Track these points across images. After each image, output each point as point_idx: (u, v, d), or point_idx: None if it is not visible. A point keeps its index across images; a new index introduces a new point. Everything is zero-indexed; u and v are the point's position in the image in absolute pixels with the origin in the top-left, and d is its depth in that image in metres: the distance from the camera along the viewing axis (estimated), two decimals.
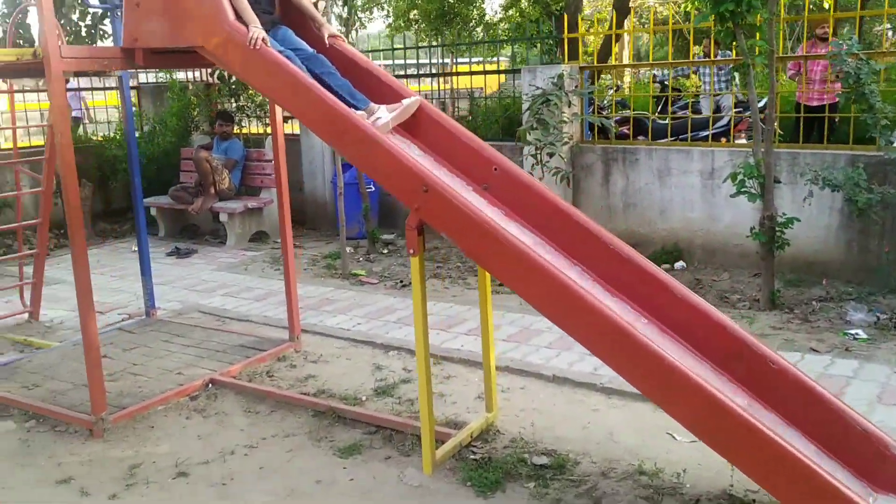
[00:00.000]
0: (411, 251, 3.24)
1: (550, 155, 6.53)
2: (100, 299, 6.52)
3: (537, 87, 6.85)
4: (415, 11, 15.87)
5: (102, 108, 10.98)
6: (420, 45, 9.16)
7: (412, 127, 3.71)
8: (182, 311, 6.04)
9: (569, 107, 6.88)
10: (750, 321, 5.23)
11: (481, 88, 10.18)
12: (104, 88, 10.50)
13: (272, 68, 3.38)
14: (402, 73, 8.92)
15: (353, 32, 8.12)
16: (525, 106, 7.00)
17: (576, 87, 7.08)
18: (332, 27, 3.86)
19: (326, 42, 3.82)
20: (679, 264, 6.68)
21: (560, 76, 6.81)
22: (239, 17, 3.50)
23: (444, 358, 4.74)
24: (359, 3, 7.99)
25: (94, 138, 10.11)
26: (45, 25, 3.44)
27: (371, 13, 17.24)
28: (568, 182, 6.88)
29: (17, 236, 6.52)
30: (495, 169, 3.54)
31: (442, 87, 9.06)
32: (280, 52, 3.50)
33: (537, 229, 3.45)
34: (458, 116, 9.21)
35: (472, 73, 9.99)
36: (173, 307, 6.17)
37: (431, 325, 3.88)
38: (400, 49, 8.90)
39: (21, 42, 7.94)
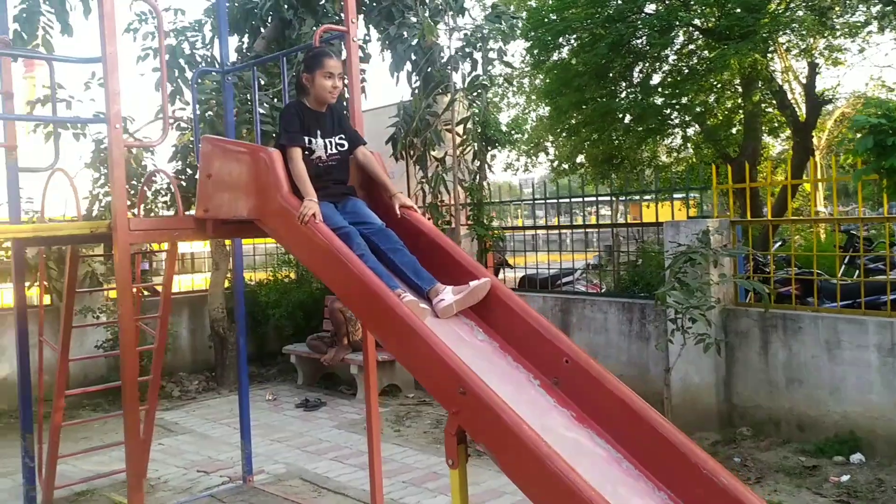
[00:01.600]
0: (450, 462, 2.72)
1: (693, 321, 5.77)
2: (213, 455, 6.47)
3: (679, 244, 6.20)
4: (581, 155, 15.67)
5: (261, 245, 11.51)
6: (585, 193, 8.71)
7: (482, 308, 3.25)
8: (283, 478, 5.75)
9: (715, 266, 6.14)
10: None
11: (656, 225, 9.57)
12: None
13: (316, 244, 3.11)
14: (544, 222, 8.56)
15: (484, 182, 7.85)
16: (666, 263, 6.34)
17: (726, 244, 6.34)
18: (404, 197, 3.57)
19: (398, 213, 3.52)
20: (856, 457, 5.52)
21: (705, 232, 6.12)
22: (296, 189, 3.30)
23: None
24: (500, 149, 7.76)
25: (250, 283, 10.53)
26: (116, 199, 3.43)
27: (535, 158, 17.30)
28: (718, 350, 6.03)
29: (118, 395, 6.58)
30: (566, 360, 2.97)
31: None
32: (338, 227, 3.22)
33: (615, 438, 2.82)
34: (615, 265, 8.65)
35: (613, 224, 9.40)
36: (277, 470, 5.92)
37: None
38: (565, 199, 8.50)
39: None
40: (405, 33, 7.14)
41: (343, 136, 3.61)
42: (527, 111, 17.66)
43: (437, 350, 2.74)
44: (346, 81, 3.64)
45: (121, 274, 3.49)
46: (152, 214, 8.58)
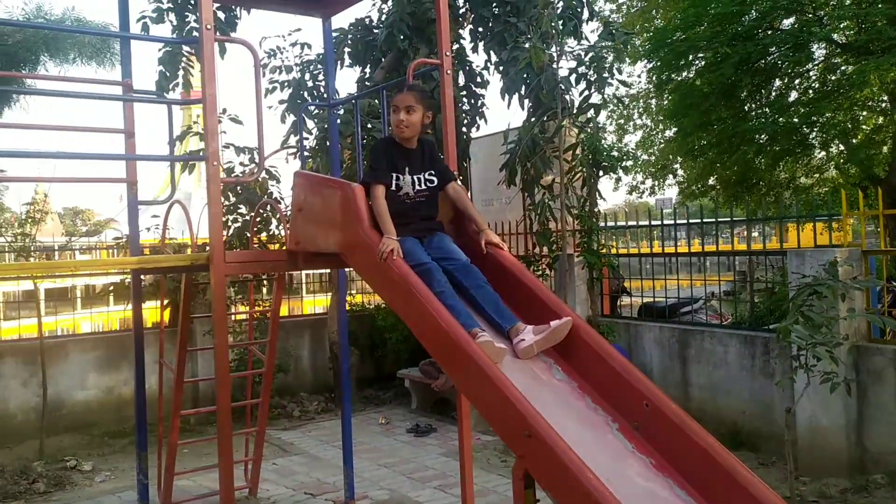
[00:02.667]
0: None
1: (818, 358, 5.35)
2: (322, 477, 6.62)
3: (804, 275, 5.79)
4: (712, 177, 15.00)
5: None
6: (717, 217, 8.24)
7: (563, 346, 3.15)
8: None
9: (843, 300, 5.68)
10: None
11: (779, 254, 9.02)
12: None
13: (393, 281, 3.12)
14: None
15: (594, 209, 7.61)
16: (791, 295, 5.93)
17: (856, 276, 5.86)
18: (491, 233, 3.52)
19: (484, 249, 3.47)
20: None
21: (832, 263, 5.69)
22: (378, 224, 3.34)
23: None
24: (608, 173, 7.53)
25: (368, 306, 10.76)
26: (213, 234, 3.59)
27: (663, 180, 16.73)
28: (848, 391, 5.56)
29: (245, 411, 6.78)
30: (646, 404, 2.82)
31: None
32: (419, 263, 3.22)
33: (698, 490, 2.64)
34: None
35: (733, 252, 8.90)
36: (380, 497, 5.97)
37: None
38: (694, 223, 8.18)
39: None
40: (518, 56, 7.11)
41: (433, 171, 3.62)
42: (654, 132, 17.15)
43: (505, 391, 2.67)
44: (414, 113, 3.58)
45: (217, 303, 3.64)
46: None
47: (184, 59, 9.69)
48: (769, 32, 10.03)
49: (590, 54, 6.95)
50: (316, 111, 8.07)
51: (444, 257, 3.36)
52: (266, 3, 5.50)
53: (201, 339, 8.75)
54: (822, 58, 10.77)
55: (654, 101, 16.44)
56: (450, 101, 4.28)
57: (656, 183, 16.83)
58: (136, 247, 4.69)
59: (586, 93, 6.78)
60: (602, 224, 7.55)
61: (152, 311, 9.35)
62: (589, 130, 6.66)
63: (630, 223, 8.93)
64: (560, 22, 6.73)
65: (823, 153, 14.05)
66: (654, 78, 11.52)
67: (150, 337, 8.68)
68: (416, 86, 3.78)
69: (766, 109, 10.94)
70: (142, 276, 4.85)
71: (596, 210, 7.24)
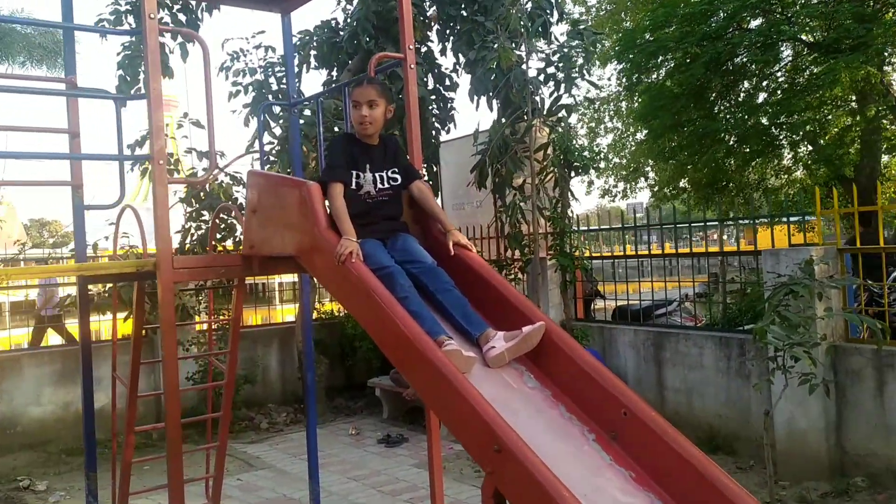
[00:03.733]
0: None
1: (795, 359, 5.23)
2: (288, 493, 6.37)
3: (779, 275, 5.68)
4: (683, 179, 14.97)
5: None
6: (689, 219, 8.16)
7: (535, 351, 2.96)
8: None
9: (821, 299, 5.57)
10: None
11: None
12: None
13: (352, 284, 2.91)
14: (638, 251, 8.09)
15: (567, 210, 7.44)
16: (766, 296, 5.81)
17: (832, 275, 5.76)
18: (459, 234, 3.31)
19: (451, 251, 3.27)
20: None
21: (808, 262, 5.58)
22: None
23: None
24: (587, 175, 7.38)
25: (338, 314, 10.51)
26: (160, 239, 3.35)
27: (635, 183, 16.66)
28: (826, 392, 5.44)
29: (206, 427, 6.52)
30: (624, 413, 2.64)
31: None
32: (381, 267, 3.00)
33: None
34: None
35: (707, 253, 8.80)
36: None
37: None
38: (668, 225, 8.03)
39: None
40: (486, 56, 6.95)
41: (396, 169, 3.40)
42: (625, 135, 17.11)
43: (472, 402, 2.46)
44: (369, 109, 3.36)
45: (164, 312, 3.40)
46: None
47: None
48: (737, 33, 9.97)
49: (558, 55, 6.80)
50: (281, 112, 7.82)
51: (409, 260, 3.15)
52: None
53: (163, 351, 8.43)
54: (791, 57, 10.74)
55: (624, 104, 16.41)
56: (414, 98, 4.08)
57: (628, 186, 16.79)
58: (82, 254, 4.42)
59: (556, 94, 6.61)
60: (574, 227, 7.39)
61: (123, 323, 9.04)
62: (560, 130, 6.49)
63: (602, 226, 8.79)
64: (529, 21, 6.57)
65: (792, 154, 14.07)
66: (623, 80, 11.42)
67: (120, 348, 8.40)
68: (376, 79, 3.57)
69: (736, 110, 10.88)
70: (95, 286, 4.57)
71: (569, 211, 7.08)
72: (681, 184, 15.42)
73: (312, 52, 10.03)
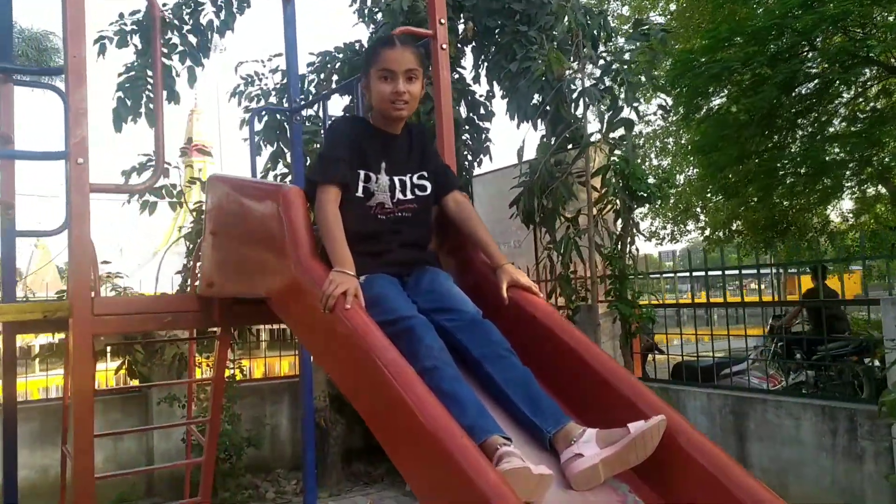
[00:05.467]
0: None
1: None
2: None
3: None
4: (738, 222, 13.73)
5: None
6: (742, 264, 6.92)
7: (651, 465, 1.77)
8: None
9: None
10: None
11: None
12: None
13: (346, 343, 1.77)
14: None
15: (631, 248, 6.27)
16: (889, 357, 4.58)
17: None
18: (515, 271, 2.16)
19: (504, 295, 2.11)
20: None
21: None
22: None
23: None
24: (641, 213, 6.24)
25: None
26: (74, 271, 2.26)
27: (685, 225, 15.39)
28: None
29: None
30: None
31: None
32: (398, 317, 1.86)
33: None
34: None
35: (802, 302, 7.54)
36: None
37: None
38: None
39: None
40: (530, 67, 5.88)
41: (424, 173, 2.27)
42: (674, 173, 15.87)
43: None
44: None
45: (77, 379, 2.29)
46: None
47: (148, 87, 8.58)
48: (811, 53, 8.84)
49: (616, 62, 5.69)
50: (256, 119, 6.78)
51: (440, 307, 2.01)
52: None
53: (156, 408, 7.37)
54: (868, 80, 9.55)
55: (670, 140, 15.26)
56: (445, 86, 3.00)
57: (676, 228, 15.49)
58: (10, 293, 3.36)
59: (616, 106, 5.50)
60: (635, 270, 6.18)
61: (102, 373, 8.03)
62: (623, 150, 5.34)
63: (665, 271, 7.55)
64: (586, 19, 5.51)
65: (860, 192, 12.86)
66: (680, 108, 10.29)
67: (114, 402, 7.33)
68: (411, 41, 2.42)
69: (809, 140, 9.67)
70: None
71: (633, 249, 5.88)
72: (733, 226, 14.18)
73: (334, 77, 9.10)
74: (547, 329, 2.02)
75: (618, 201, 5.42)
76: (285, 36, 4.08)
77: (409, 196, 2.22)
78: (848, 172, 10.69)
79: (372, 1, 8.90)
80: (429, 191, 2.25)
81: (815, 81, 8.91)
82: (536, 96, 6.15)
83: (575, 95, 5.41)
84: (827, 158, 9.06)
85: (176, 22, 8.44)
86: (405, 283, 2.10)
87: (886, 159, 9.94)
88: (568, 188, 5.36)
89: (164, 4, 8.42)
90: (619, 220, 5.69)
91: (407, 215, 2.21)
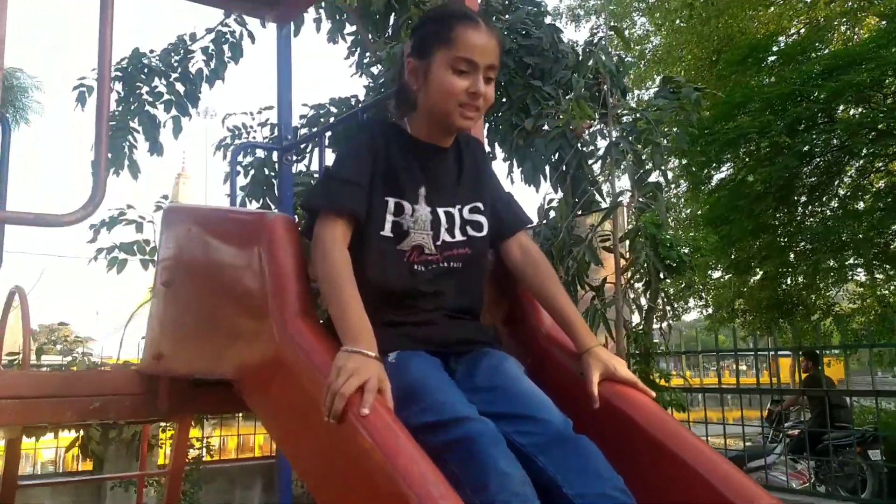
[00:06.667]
0: None
1: None
2: None
3: None
4: (740, 301, 13.20)
5: None
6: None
7: None
8: None
9: None
10: None
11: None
12: None
13: (361, 468, 1.06)
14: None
15: (664, 324, 5.66)
16: None
17: None
18: (612, 357, 1.45)
19: (594, 397, 1.40)
20: None
21: None
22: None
23: None
24: (670, 290, 5.62)
25: None
26: None
27: (686, 302, 14.80)
28: None
29: None
30: None
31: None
32: (451, 418, 1.17)
33: None
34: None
35: (826, 391, 6.88)
36: None
37: None
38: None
39: None
40: (546, 125, 5.31)
41: (480, 205, 1.57)
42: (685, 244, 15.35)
43: None
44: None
45: None
46: None
47: (130, 136, 8.03)
48: (829, 124, 8.41)
49: (641, 119, 5.14)
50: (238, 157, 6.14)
51: (510, 413, 1.28)
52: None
53: (110, 493, 6.49)
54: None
55: (670, 213, 14.78)
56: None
57: (678, 306, 14.86)
58: None
59: (644, 168, 4.93)
60: (663, 348, 5.51)
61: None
62: (652, 213, 4.73)
63: (689, 349, 6.84)
64: (615, 66, 4.98)
65: (867, 272, 12.37)
66: (684, 178, 9.80)
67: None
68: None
69: (827, 216, 9.17)
70: None
71: (664, 325, 5.20)
72: (735, 305, 13.62)
73: (328, 134, 8.54)
74: (653, 441, 1.32)
75: (647, 268, 4.78)
76: (278, 63, 3.46)
77: (460, 237, 1.51)
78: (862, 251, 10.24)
79: (371, 53, 8.44)
80: (485, 230, 1.55)
81: (834, 153, 8.47)
82: (554, 155, 5.60)
83: (602, 152, 4.82)
84: (844, 237, 8.55)
85: (163, 68, 7.92)
86: (453, 372, 1.39)
87: None
88: (594, 253, 4.72)
89: (152, 51, 7.94)
90: (649, 291, 5.03)
91: (457, 265, 1.50)
